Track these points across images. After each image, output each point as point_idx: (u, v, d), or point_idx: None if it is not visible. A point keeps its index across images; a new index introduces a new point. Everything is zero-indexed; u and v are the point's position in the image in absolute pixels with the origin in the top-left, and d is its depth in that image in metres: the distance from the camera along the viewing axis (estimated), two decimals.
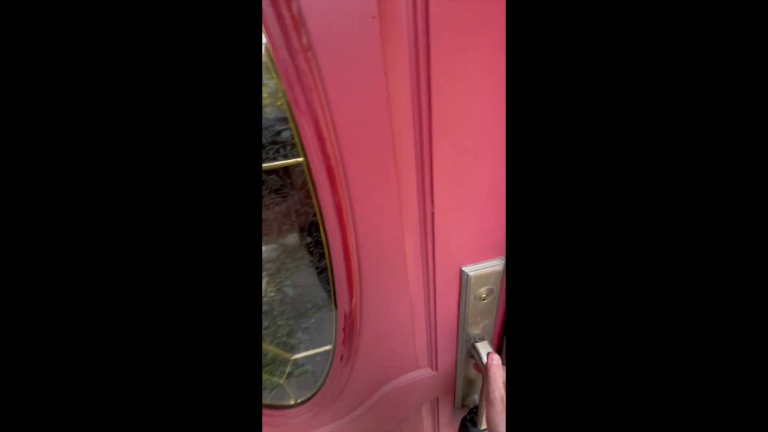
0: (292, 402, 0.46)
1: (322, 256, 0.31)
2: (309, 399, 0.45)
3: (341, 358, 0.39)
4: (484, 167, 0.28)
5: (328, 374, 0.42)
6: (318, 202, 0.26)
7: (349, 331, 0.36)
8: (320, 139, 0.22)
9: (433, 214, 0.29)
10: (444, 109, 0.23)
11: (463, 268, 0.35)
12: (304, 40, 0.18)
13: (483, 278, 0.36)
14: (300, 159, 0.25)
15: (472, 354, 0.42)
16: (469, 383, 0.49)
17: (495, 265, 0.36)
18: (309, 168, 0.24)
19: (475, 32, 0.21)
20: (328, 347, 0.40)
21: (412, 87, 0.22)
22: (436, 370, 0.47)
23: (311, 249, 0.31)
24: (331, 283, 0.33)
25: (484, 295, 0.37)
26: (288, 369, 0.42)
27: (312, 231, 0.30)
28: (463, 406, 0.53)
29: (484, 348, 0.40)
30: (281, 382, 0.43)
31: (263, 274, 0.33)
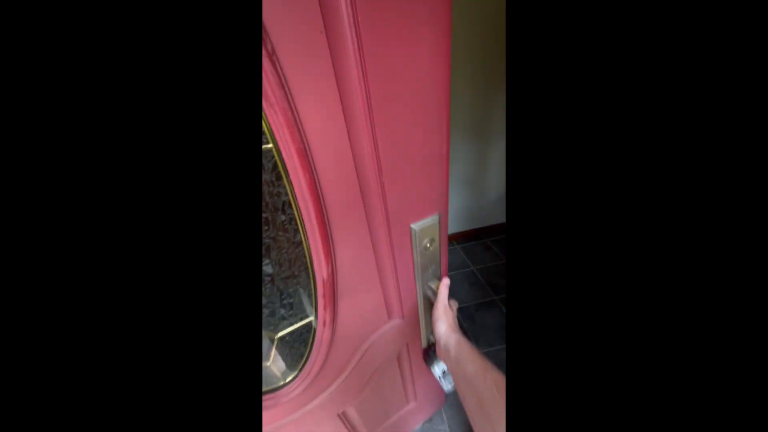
0: (281, 383, 0.48)
1: (296, 231, 0.36)
2: (298, 374, 0.49)
3: (324, 324, 0.44)
4: (417, 143, 0.38)
5: (312, 344, 0.47)
6: (289, 181, 0.31)
7: (329, 296, 0.42)
8: (288, 126, 0.27)
9: (383, 183, 0.38)
10: (380, 98, 0.31)
11: (411, 225, 0.45)
12: (269, 46, 0.23)
13: (426, 230, 0.46)
14: (269, 145, 0.29)
15: (428, 293, 0.54)
16: (429, 323, 0.61)
17: (433, 219, 0.47)
18: (279, 152, 0.29)
19: (400, 36, 0.29)
20: (309, 319, 0.45)
21: (356, 83, 0.29)
22: (403, 318, 0.57)
23: (286, 226, 0.35)
24: (307, 255, 0.38)
25: (428, 245, 0.49)
26: (273, 350, 0.45)
27: (285, 209, 0.34)
28: (429, 344, 0.66)
29: (435, 284, 0.52)
30: (268, 364, 0.45)
31: None
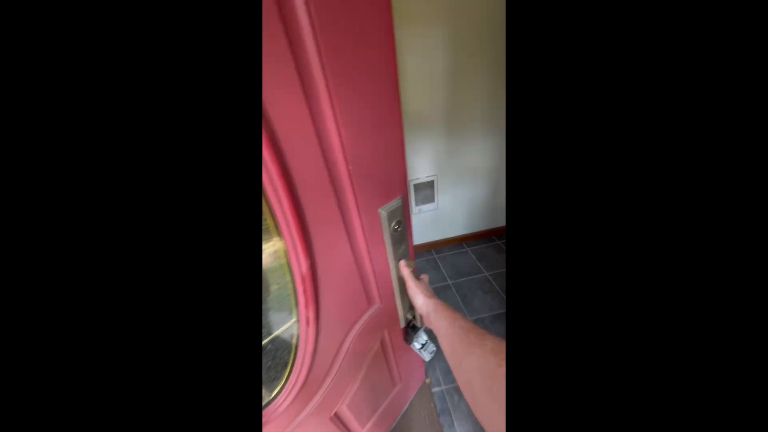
0: (269, 397, 0.45)
1: (267, 228, 0.34)
2: (285, 383, 0.46)
3: (307, 322, 0.43)
4: (377, 133, 0.41)
5: (297, 346, 0.45)
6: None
7: (310, 291, 0.41)
8: None
9: (350, 170, 0.39)
10: (342, 96, 0.33)
11: (379, 210, 0.48)
12: None
13: (393, 213, 0.50)
14: None
15: (401, 275, 0.57)
16: (405, 301, 0.65)
17: (398, 202, 0.51)
18: None
19: (353, 37, 0.31)
20: (292, 321, 0.43)
21: (321, 87, 0.30)
22: (381, 302, 0.59)
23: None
24: (282, 251, 0.36)
25: (396, 227, 0.52)
26: None
27: None
28: (406, 323, 0.70)
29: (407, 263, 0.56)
30: None
31: None
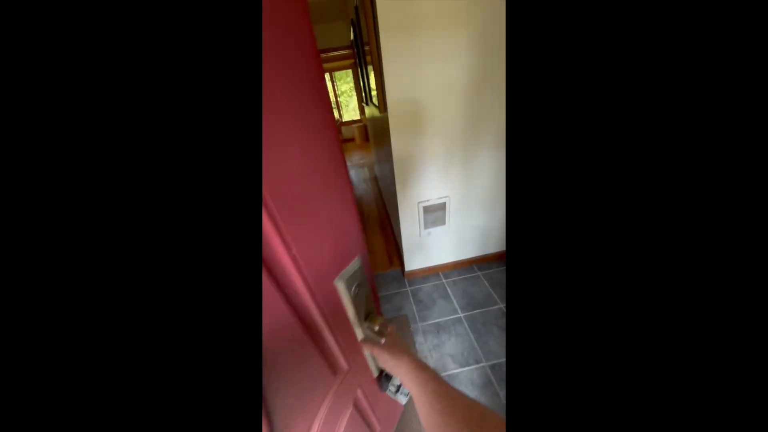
0: None
1: None
2: None
3: None
4: (321, 208, 0.36)
5: None
6: None
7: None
8: None
9: (295, 256, 0.33)
10: (273, 183, 0.27)
11: (334, 282, 0.43)
12: None
13: (350, 280, 0.45)
14: None
15: (368, 334, 0.53)
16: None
17: (354, 264, 0.46)
18: None
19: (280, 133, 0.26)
20: None
21: None
22: (349, 366, 0.54)
23: None
24: None
25: (357, 290, 0.48)
26: None
27: None
28: (378, 371, 0.66)
29: (373, 319, 0.52)
30: None
31: None
